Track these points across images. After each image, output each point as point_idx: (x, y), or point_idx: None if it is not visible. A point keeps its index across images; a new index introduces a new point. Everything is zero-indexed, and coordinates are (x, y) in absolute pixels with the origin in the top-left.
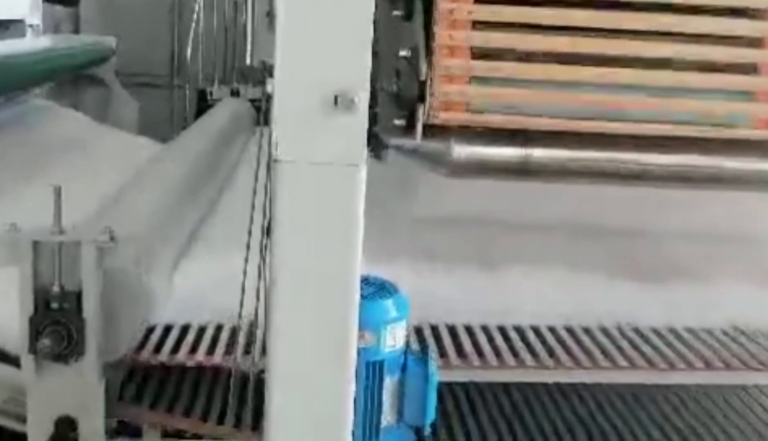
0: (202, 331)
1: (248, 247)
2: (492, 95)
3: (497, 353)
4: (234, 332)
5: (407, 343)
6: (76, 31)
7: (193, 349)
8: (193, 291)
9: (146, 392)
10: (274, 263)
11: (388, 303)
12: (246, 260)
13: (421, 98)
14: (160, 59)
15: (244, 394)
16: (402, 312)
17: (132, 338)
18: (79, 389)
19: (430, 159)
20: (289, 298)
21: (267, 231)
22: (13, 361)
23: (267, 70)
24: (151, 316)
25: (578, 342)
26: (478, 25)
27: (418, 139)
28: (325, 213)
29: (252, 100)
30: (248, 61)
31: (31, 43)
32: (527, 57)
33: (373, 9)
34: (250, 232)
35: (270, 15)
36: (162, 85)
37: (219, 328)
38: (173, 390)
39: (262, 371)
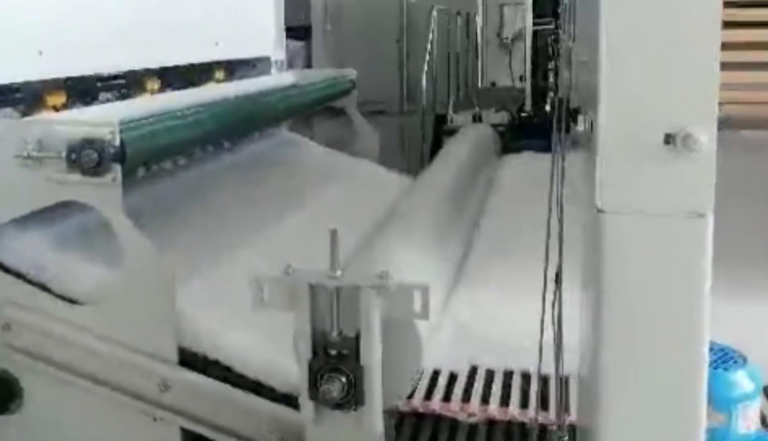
0: (471, 378)
1: (544, 297)
2: None
3: None
4: (507, 382)
5: (763, 425)
6: (308, 64)
7: (466, 397)
8: (459, 335)
9: None
10: (602, 327)
11: (740, 375)
12: (543, 311)
13: None
14: (388, 87)
15: None
16: (756, 386)
17: (409, 385)
18: (359, 438)
19: None
20: (622, 367)
21: (557, 279)
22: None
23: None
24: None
25: None
26: None
27: None
28: (663, 270)
29: (494, 125)
30: (480, 84)
31: (278, 79)
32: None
33: (720, 25)
34: (545, 280)
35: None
36: (392, 113)
37: (491, 375)
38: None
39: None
